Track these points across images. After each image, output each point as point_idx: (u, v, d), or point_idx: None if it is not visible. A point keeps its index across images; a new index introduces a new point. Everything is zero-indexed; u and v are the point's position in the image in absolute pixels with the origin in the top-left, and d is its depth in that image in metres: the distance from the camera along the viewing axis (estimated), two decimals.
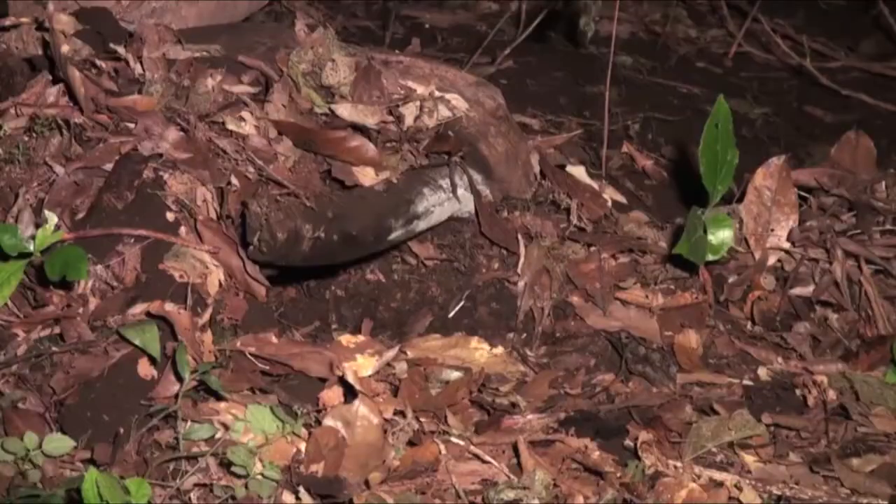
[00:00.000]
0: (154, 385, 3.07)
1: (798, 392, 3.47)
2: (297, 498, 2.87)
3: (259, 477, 2.89)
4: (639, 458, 3.16)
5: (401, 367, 3.32)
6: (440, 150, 3.70)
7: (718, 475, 3.09)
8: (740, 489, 3.05)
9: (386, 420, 3.06)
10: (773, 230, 3.89)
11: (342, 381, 3.08)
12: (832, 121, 5.58)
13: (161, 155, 3.40)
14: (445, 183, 3.74)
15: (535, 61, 5.60)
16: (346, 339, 3.33)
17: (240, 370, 3.19)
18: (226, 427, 2.99)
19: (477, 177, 3.82)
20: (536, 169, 4.08)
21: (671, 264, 3.89)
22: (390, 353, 3.30)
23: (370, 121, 3.62)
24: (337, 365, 3.16)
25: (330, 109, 3.63)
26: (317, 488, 2.90)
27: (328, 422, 2.97)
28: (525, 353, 3.74)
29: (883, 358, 3.53)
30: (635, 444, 3.21)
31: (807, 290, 3.82)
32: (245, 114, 3.54)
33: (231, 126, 3.50)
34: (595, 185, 4.15)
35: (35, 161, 3.46)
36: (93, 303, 3.20)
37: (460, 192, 3.76)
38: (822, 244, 3.83)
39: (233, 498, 2.88)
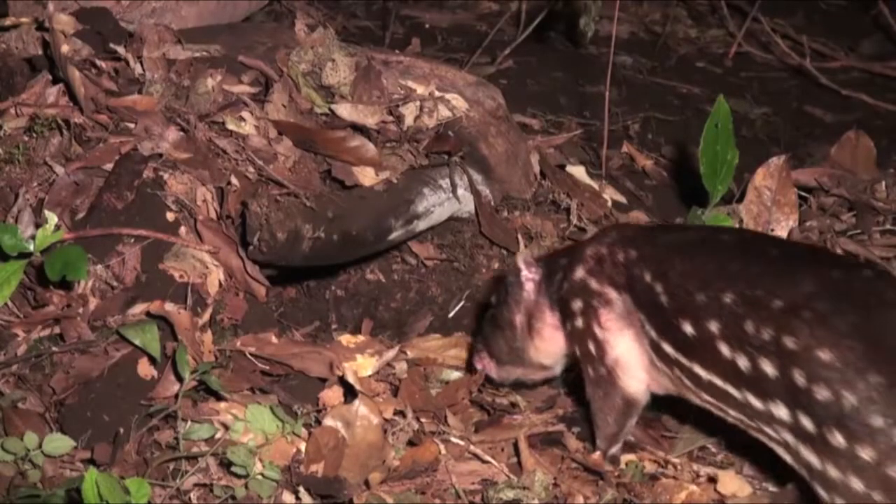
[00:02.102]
0: (154, 385, 3.07)
1: None
2: (297, 498, 2.88)
3: (259, 477, 2.89)
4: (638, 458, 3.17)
5: (401, 367, 3.33)
6: (440, 150, 3.70)
7: (714, 472, 3.10)
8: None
9: (386, 420, 3.06)
10: (773, 230, 3.89)
11: (342, 381, 3.08)
12: (832, 121, 5.59)
13: (161, 155, 3.40)
14: (445, 183, 3.74)
15: (535, 61, 5.60)
16: (346, 339, 3.33)
17: (240, 370, 3.19)
18: (226, 427, 2.99)
19: (477, 177, 3.82)
20: (536, 169, 4.08)
21: None
22: (390, 353, 3.30)
23: (370, 121, 3.62)
24: (337, 365, 3.16)
25: (330, 109, 3.63)
26: (317, 488, 2.90)
27: (328, 422, 2.97)
28: None
29: None
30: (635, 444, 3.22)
31: None
32: (245, 114, 3.54)
33: (231, 126, 3.50)
34: (595, 185, 4.15)
35: (35, 161, 3.46)
36: (93, 303, 3.20)
37: (460, 192, 3.76)
38: (822, 244, 3.83)
39: (233, 498, 2.88)
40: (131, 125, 3.45)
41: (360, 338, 3.36)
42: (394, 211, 3.60)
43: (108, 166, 3.37)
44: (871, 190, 4.10)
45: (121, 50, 3.64)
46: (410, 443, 3.11)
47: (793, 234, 3.88)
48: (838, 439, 2.55)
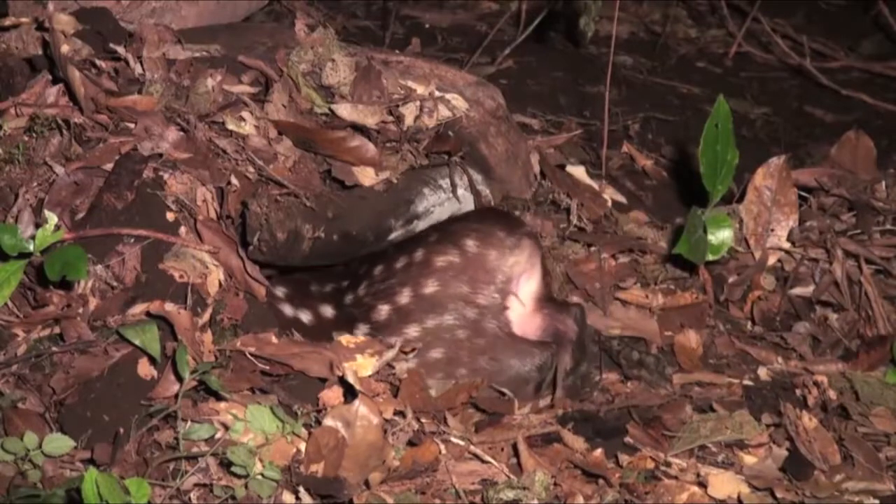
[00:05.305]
0: (154, 385, 3.07)
1: (798, 392, 3.47)
2: (297, 498, 2.87)
3: (259, 477, 2.89)
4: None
5: (401, 367, 3.32)
6: (440, 150, 3.70)
7: (714, 471, 3.10)
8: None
9: (386, 420, 3.06)
10: (773, 230, 3.89)
11: (342, 381, 3.08)
12: (832, 121, 5.58)
13: (161, 155, 3.40)
14: (445, 183, 3.74)
15: (535, 61, 5.60)
16: (346, 339, 3.33)
17: (240, 370, 3.19)
18: (226, 427, 2.99)
19: (477, 177, 3.82)
20: (536, 169, 4.08)
21: (671, 264, 3.90)
22: (390, 353, 3.30)
23: (370, 121, 3.62)
24: (337, 365, 3.16)
25: (330, 109, 3.63)
26: (317, 488, 2.90)
27: (328, 422, 2.97)
28: None
29: (883, 358, 3.54)
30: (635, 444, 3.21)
31: (807, 290, 3.82)
32: (245, 114, 3.54)
33: (231, 126, 3.50)
34: (595, 185, 4.15)
35: (35, 161, 3.46)
36: (93, 303, 3.20)
37: (460, 192, 3.76)
38: (822, 244, 3.83)
39: (233, 498, 2.88)
40: (131, 125, 3.45)
41: (360, 338, 3.36)
42: (394, 211, 3.60)
43: (108, 166, 3.37)
44: (871, 190, 4.10)
45: (121, 50, 3.63)
46: (410, 443, 3.11)
47: (793, 234, 3.88)
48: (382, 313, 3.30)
